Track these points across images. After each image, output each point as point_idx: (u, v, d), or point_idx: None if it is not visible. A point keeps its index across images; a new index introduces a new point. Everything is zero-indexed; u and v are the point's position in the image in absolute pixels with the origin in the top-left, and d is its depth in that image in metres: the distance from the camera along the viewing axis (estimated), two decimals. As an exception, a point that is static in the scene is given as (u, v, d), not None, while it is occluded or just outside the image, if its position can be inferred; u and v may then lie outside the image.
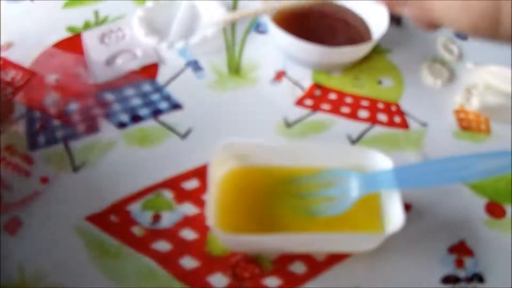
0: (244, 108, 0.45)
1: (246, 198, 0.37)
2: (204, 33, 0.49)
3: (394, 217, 0.34)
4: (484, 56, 0.51)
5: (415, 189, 0.39)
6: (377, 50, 0.51)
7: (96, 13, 0.54)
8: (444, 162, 0.35)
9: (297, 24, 0.48)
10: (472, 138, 0.45)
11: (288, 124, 0.44)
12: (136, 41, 0.50)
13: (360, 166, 0.36)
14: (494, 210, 0.41)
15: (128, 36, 0.51)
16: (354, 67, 0.49)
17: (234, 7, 0.53)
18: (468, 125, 0.46)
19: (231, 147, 0.37)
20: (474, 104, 0.46)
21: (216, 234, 0.35)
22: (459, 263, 0.37)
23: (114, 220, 0.37)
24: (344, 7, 0.52)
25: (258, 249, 0.36)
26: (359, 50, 0.46)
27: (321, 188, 0.36)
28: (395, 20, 0.53)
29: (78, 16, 0.54)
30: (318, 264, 0.36)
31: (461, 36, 0.54)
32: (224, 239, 0.35)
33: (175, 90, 0.46)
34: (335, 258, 0.36)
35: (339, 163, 0.36)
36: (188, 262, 0.35)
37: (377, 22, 0.49)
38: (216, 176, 0.36)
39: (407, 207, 0.39)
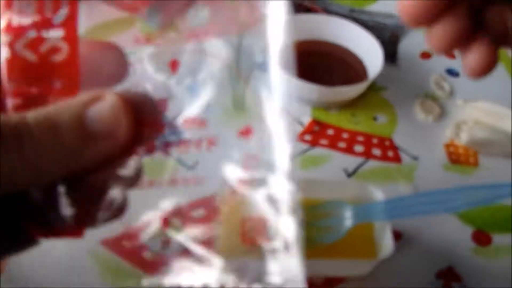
0: (249, 142, 0.48)
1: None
2: (210, 70, 0.52)
3: (385, 244, 0.37)
4: (474, 92, 0.54)
5: (405, 219, 0.43)
6: (373, 88, 0.54)
7: (109, 48, 0.58)
8: (432, 194, 0.38)
9: (297, 63, 0.51)
10: (461, 171, 0.48)
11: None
12: (146, 76, 0.53)
13: (355, 198, 0.39)
14: (481, 238, 0.44)
15: (138, 72, 0.55)
16: (351, 104, 0.52)
17: (238, 46, 0.57)
18: (457, 158, 0.49)
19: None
20: (463, 139, 0.50)
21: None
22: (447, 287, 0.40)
23: (126, 245, 0.40)
24: (341, 46, 0.55)
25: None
26: (356, 89, 0.50)
27: (320, 219, 0.39)
28: (390, 57, 0.56)
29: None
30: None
31: (453, 73, 0.58)
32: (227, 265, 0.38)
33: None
34: (332, 282, 0.39)
35: (336, 196, 0.40)
36: (197, 284, 0.38)
37: (373, 60, 0.52)
38: (223, 210, 0.40)
39: (398, 235, 0.42)
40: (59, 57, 0.22)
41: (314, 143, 0.48)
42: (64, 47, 0.22)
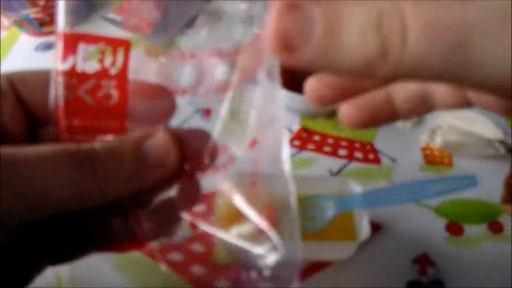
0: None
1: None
2: (209, 85, 0.58)
3: (364, 229, 0.42)
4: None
5: (383, 210, 0.48)
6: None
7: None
8: (405, 186, 0.43)
9: (288, 77, 0.57)
10: (436, 171, 0.53)
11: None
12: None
13: (337, 192, 0.45)
14: (453, 229, 0.48)
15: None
16: (336, 114, 0.57)
17: (234, 64, 0.63)
18: (433, 160, 0.54)
19: (232, 177, 0.45)
20: (437, 142, 0.55)
21: (221, 244, 0.43)
22: (422, 271, 0.44)
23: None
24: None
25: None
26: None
27: (306, 210, 0.44)
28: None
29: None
30: (303, 272, 0.44)
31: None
32: (229, 247, 0.43)
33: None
34: (316, 267, 0.44)
35: (320, 190, 0.45)
36: (197, 269, 0.43)
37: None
38: (221, 203, 0.45)
39: (378, 226, 0.47)
40: (111, 102, 0.26)
41: (302, 148, 0.54)
42: (115, 94, 0.26)
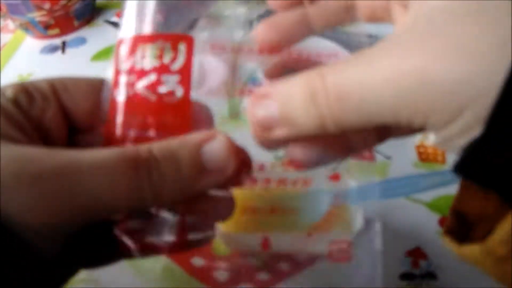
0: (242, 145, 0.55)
1: (242, 213, 0.46)
2: (210, 86, 0.59)
3: (358, 220, 0.43)
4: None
5: (377, 205, 0.49)
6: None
7: (119, 66, 0.65)
8: (398, 180, 0.44)
9: (283, 75, 0.58)
10: (429, 167, 0.55)
11: (278, 157, 0.54)
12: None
13: (331, 187, 0.46)
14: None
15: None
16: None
17: (234, 65, 0.64)
18: (427, 157, 0.56)
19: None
20: (431, 140, 0.56)
21: (219, 236, 0.45)
22: (415, 264, 0.46)
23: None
24: (321, 63, 0.62)
25: (251, 248, 0.45)
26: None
27: (301, 204, 0.45)
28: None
29: (105, 68, 0.65)
30: (299, 263, 0.45)
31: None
32: (226, 238, 0.44)
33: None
34: (310, 260, 0.45)
35: (316, 185, 0.46)
36: (198, 261, 0.45)
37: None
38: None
39: (372, 221, 0.49)
40: (174, 98, 0.26)
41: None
42: (179, 90, 0.26)
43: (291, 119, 0.23)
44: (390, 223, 0.49)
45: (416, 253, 0.47)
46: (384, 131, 0.27)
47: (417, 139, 0.57)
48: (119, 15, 0.73)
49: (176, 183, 0.24)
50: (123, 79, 0.26)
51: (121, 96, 0.26)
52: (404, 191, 0.44)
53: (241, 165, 0.26)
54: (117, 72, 0.26)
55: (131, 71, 0.26)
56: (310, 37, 0.65)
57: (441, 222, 0.50)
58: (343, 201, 0.45)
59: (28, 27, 0.70)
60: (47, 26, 0.70)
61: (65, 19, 0.71)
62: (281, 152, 0.32)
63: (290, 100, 0.23)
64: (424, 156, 0.56)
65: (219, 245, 0.46)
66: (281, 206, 0.45)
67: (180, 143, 0.24)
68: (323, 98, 0.21)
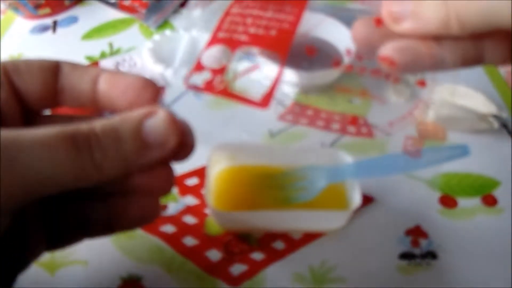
0: (236, 123, 0.54)
1: (236, 191, 0.45)
2: (204, 62, 0.58)
3: (355, 198, 0.42)
4: (442, 76, 0.59)
5: (375, 182, 0.48)
6: (350, 75, 0.59)
7: (111, 45, 0.64)
8: (396, 156, 0.43)
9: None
10: (429, 145, 0.53)
11: (272, 135, 0.52)
12: (145, 68, 0.59)
13: (328, 162, 0.45)
14: (447, 201, 0.48)
15: (139, 64, 0.60)
16: (329, 89, 0.57)
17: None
18: (426, 134, 0.54)
19: (223, 149, 0.45)
20: (430, 116, 0.55)
21: (213, 214, 0.44)
22: (415, 243, 0.44)
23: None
24: (322, 39, 0.61)
25: (246, 226, 0.43)
26: (330, 74, 0.55)
27: (297, 181, 0.44)
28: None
29: (95, 47, 0.64)
30: (295, 242, 0.43)
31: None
32: (219, 217, 0.43)
33: (179, 109, 0.54)
34: (309, 237, 0.44)
35: (312, 161, 0.45)
36: (189, 241, 0.43)
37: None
38: (212, 173, 0.45)
39: (370, 199, 0.47)
40: None
41: (295, 122, 0.54)
42: None
43: (420, 12, 0.26)
44: (389, 201, 0.48)
45: (416, 232, 0.46)
46: (477, 57, 0.29)
47: (417, 115, 0.56)
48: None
49: (119, 158, 0.24)
50: None
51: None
52: (404, 167, 0.42)
53: (183, 139, 0.27)
54: None
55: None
56: (313, 15, 0.63)
57: (442, 200, 0.48)
58: (340, 178, 0.43)
59: (18, 7, 0.68)
60: (37, 6, 0.69)
61: (55, -2, 0.69)
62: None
63: (423, 1, 0.26)
64: (423, 133, 0.54)
65: (211, 224, 0.44)
66: (275, 183, 0.43)
67: (121, 119, 0.25)
68: (451, 1, 0.25)
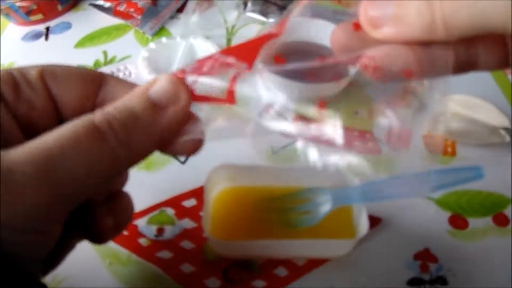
0: (238, 138, 0.51)
1: (236, 214, 0.43)
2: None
3: (362, 224, 0.40)
4: (452, 87, 0.57)
5: (383, 203, 0.45)
6: (356, 85, 0.57)
7: (105, 53, 0.61)
8: (404, 178, 0.40)
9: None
10: (438, 160, 0.51)
11: (274, 152, 0.50)
12: (140, 78, 0.57)
13: (332, 184, 0.42)
14: (457, 222, 0.46)
15: (133, 74, 0.58)
16: (334, 101, 0.55)
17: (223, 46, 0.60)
18: (435, 149, 0.52)
19: (222, 169, 0.43)
20: (440, 130, 0.52)
21: (211, 242, 0.41)
22: (424, 268, 0.42)
23: (123, 233, 0.43)
24: (325, 46, 0.58)
25: (246, 254, 0.41)
26: (335, 86, 0.53)
27: (300, 204, 0.42)
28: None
29: (89, 55, 0.61)
30: (298, 268, 0.41)
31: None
32: (218, 245, 0.41)
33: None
34: (313, 263, 0.42)
35: (316, 183, 0.42)
36: (187, 268, 0.41)
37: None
38: (211, 195, 0.43)
39: (378, 220, 0.45)
40: None
41: (297, 137, 0.51)
42: None
43: (402, 16, 0.24)
44: (396, 222, 0.45)
45: (425, 256, 0.43)
46: (470, 63, 0.27)
47: (425, 128, 0.53)
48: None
49: (140, 131, 0.25)
50: None
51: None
52: (412, 192, 0.40)
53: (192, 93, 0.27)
54: None
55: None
56: (315, 20, 0.60)
57: (452, 220, 0.46)
58: (346, 201, 0.41)
59: (9, 13, 0.66)
60: (29, 12, 0.66)
61: (48, 4, 0.67)
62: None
63: (406, 2, 0.24)
64: (432, 148, 0.52)
65: (210, 249, 0.42)
66: (277, 206, 0.41)
67: (128, 96, 0.26)
68: (437, 2, 0.23)
